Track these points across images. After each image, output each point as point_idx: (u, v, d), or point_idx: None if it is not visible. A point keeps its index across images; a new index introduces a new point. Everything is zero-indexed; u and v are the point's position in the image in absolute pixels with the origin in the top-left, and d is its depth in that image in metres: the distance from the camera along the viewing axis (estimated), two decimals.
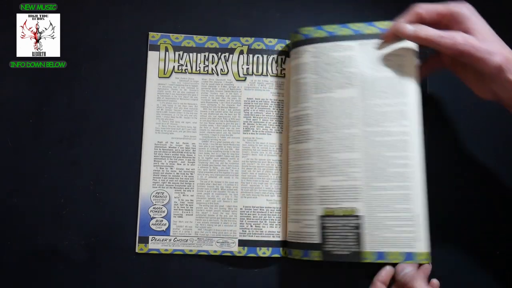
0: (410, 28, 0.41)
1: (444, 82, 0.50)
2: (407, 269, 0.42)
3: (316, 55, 0.45)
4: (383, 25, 0.44)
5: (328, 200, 0.44)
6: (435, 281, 0.45)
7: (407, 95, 0.43)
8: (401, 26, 0.42)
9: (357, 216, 0.43)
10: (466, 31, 0.40)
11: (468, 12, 0.40)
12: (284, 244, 0.48)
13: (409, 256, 0.42)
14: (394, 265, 0.43)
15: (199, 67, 0.50)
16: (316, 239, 0.44)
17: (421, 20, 0.42)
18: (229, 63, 0.50)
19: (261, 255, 0.48)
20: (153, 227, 0.48)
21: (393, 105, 0.43)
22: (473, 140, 0.50)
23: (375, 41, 0.44)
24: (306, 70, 0.46)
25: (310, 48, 0.45)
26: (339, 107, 0.44)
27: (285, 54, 0.50)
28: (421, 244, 0.42)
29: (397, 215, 0.42)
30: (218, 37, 0.50)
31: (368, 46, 0.44)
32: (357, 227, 0.43)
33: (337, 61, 0.44)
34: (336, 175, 0.44)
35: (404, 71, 0.43)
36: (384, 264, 0.43)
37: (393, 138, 0.43)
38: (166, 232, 0.48)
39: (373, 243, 0.42)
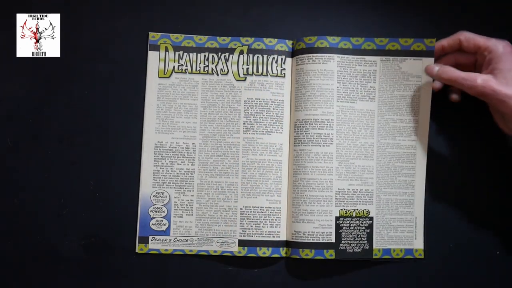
0: (435, 69, 0.45)
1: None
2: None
3: (342, 65, 0.48)
4: (406, 43, 0.48)
5: (344, 202, 0.48)
6: None
7: (419, 114, 0.48)
8: (429, 67, 0.46)
9: (370, 217, 0.48)
10: (492, 70, 0.42)
11: (502, 52, 0.42)
12: (286, 244, 0.48)
13: (408, 252, 0.48)
14: (396, 260, 0.48)
15: (199, 67, 0.50)
16: (331, 239, 0.47)
17: (460, 47, 0.46)
18: (229, 63, 0.50)
19: (261, 255, 0.48)
20: (153, 227, 0.48)
21: (406, 122, 0.49)
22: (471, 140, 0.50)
23: (397, 59, 0.49)
24: (330, 77, 0.48)
25: (336, 57, 0.48)
26: (359, 117, 0.49)
27: (285, 54, 0.50)
28: (418, 241, 0.48)
29: (401, 217, 0.48)
30: (218, 37, 0.50)
31: (389, 63, 0.49)
32: (369, 227, 0.48)
33: (361, 74, 0.49)
34: (353, 179, 0.48)
35: (419, 92, 0.48)
36: (389, 260, 0.48)
37: (403, 150, 0.49)
38: (166, 232, 0.48)
39: (381, 241, 0.48)
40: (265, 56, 0.50)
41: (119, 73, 0.50)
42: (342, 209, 0.48)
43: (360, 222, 0.48)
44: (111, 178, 0.48)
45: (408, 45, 0.48)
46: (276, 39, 0.50)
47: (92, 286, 0.47)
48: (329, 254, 0.47)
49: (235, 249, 0.48)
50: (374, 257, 0.48)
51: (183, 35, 0.50)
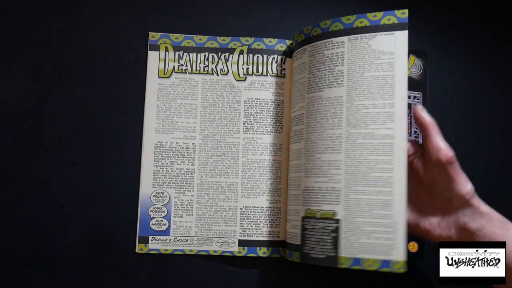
0: (428, 118, 0.41)
1: (444, 79, 0.49)
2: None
3: (312, 54, 0.45)
4: (375, 17, 0.42)
5: (310, 202, 0.43)
6: None
7: (395, 96, 0.41)
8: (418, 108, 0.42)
9: (335, 219, 0.42)
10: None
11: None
12: (283, 244, 0.48)
13: (385, 264, 0.40)
14: (369, 272, 0.41)
15: (199, 67, 0.50)
16: (298, 240, 0.44)
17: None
18: (229, 63, 0.50)
19: (261, 255, 0.48)
20: (153, 227, 0.48)
21: (380, 107, 0.41)
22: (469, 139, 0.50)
23: (366, 36, 0.42)
24: (304, 70, 0.46)
25: (308, 47, 0.45)
26: (326, 106, 0.43)
27: (285, 54, 0.50)
28: (398, 252, 0.40)
29: (376, 221, 0.40)
30: (218, 37, 0.50)
31: (358, 41, 0.42)
32: (335, 231, 0.42)
33: (329, 59, 0.43)
34: (319, 176, 0.43)
35: (394, 70, 0.41)
36: (359, 271, 0.41)
37: (378, 141, 0.41)
38: (166, 232, 0.48)
39: (349, 248, 0.41)
40: (265, 56, 0.50)
41: (119, 73, 0.50)
42: (307, 209, 0.43)
43: (325, 224, 0.42)
44: (111, 178, 0.48)
45: (377, 20, 0.42)
46: (276, 39, 0.50)
47: (92, 286, 0.47)
48: (296, 256, 0.44)
49: (235, 249, 0.48)
50: (340, 266, 0.41)
51: (183, 35, 0.50)
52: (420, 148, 0.43)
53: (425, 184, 0.42)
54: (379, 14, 0.42)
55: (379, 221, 0.40)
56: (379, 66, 0.41)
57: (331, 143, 0.42)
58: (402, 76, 0.41)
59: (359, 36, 0.42)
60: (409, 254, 0.47)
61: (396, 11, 0.42)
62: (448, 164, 0.39)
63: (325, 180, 0.42)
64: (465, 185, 0.39)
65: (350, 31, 0.43)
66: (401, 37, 0.41)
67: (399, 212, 0.40)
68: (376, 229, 0.40)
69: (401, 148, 0.40)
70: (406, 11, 0.41)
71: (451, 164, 0.39)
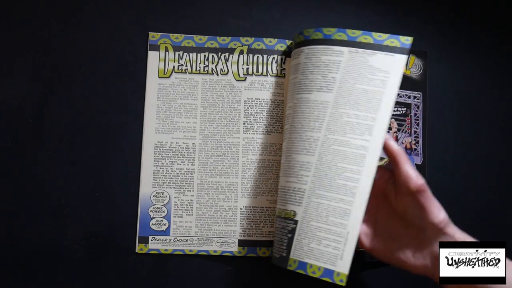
0: (396, 147, 0.40)
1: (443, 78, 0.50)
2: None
3: (308, 57, 0.45)
4: (380, 38, 0.43)
5: (281, 201, 0.44)
6: None
7: (380, 112, 0.41)
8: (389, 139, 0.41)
9: (294, 220, 0.42)
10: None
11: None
12: None
13: (327, 273, 0.40)
14: (311, 278, 0.41)
15: (199, 67, 0.50)
16: (271, 238, 0.46)
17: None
18: (229, 63, 0.50)
19: (261, 255, 0.48)
20: (153, 227, 0.48)
21: (362, 118, 0.42)
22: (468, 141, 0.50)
23: (366, 51, 0.43)
24: (297, 71, 0.46)
25: (306, 49, 0.45)
26: (311, 109, 0.43)
27: (285, 54, 0.50)
28: (343, 264, 0.40)
29: (329, 228, 0.41)
30: (218, 37, 0.50)
31: (358, 55, 0.43)
32: (291, 231, 0.42)
33: (324, 64, 0.44)
34: (291, 176, 0.43)
35: (385, 88, 0.42)
36: (304, 275, 0.41)
37: (351, 150, 0.41)
38: (166, 232, 0.48)
39: (299, 251, 0.41)
40: (265, 56, 0.50)
41: (119, 73, 0.50)
42: (278, 208, 0.45)
43: (285, 224, 0.43)
44: (111, 178, 0.48)
45: (382, 40, 0.43)
46: (276, 39, 0.50)
47: (92, 286, 0.47)
48: (267, 254, 0.48)
49: (235, 249, 0.48)
50: (288, 267, 0.42)
51: (183, 35, 0.50)
52: (391, 175, 0.41)
53: (398, 213, 0.41)
54: (384, 36, 0.43)
55: (333, 229, 0.41)
56: (371, 81, 0.42)
57: (307, 145, 0.43)
58: (391, 95, 0.42)
59: (360, 50, 0.43)
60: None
61: (401, 37, 0.43)
62: (418, 193, 0.38)
63: (295, 180, 0.43)
64: (437, 214, 0.38)
65: (352, 43, 0.43)
66: (400, 60, 0.42)
67: (354, 224, 0.40)
68: (328, 236, 0.41)
69: (372, 161, 0.41)
70: (411, 38, 0.43)
71: (422, 192, 0.38)
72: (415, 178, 0.38)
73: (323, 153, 0.42)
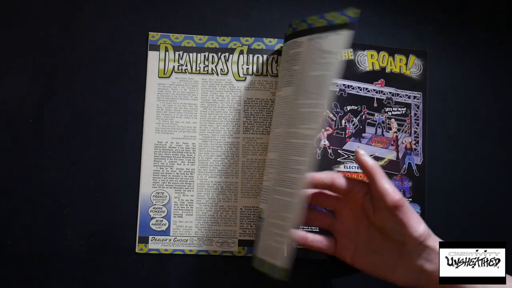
0: (371, 162, 0.39)
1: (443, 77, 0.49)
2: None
3: (283, 54, 0.45)
4: (332, 17, 0.39)
5: (261, 200, 0.44)
6: None
7: (323, 97, 0.38)
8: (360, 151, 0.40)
9: (261, 217, 0.42)
10: None
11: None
12: None
13: (273, 269, 0.38)
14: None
15: (199, 67, 0.50)
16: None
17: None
18: (229, 63, 0.50)
19: None
20: (153, 227, 0.48)
21: (312, 106, 0.38)
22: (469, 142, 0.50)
23: (320, 36, 0.40)
24: (279, 69, 0.46)
25: (284, 46, 0.45)
26: (279, 105, 0.42)
27: None
28: (284, 259, 0.38)
29: (280, 223, 0.39)
30: (218, 37, 0.50)
31: (313, 41, 0.40)
32: (259, 229, 0.42)
33: (291, 58, 0.42)
34: (266, 174, 0.43)
35: (329, 70, 0.38)
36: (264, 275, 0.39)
37: (298, 141, 0.39)
38: (166, 232, 0.48)
39: (260, 248, 0.40)
40: (265, 56, 0.50)
41: (119, 73, 0.50)
42: (259, 208, 0.44)
43: (257, 222, 0.42)
44: (111, 178, 0.48)
45: (332, 20, 0.39)
46: (276, 39, 0.50)
47: (92, 286, 0.47)
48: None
49: (235, 249, 0.48)
50: (256, 266, 0.40)
51: (183, 35, 0.50)
52: (369, 190, 0.40)
53: (377, 227, 0.40)
54: (336, 14, 0.39)
55: (282, 224, 0.39)
56: (319, 66, 0.39)
57: (275, 142, 0.42)
58: (330, 76, 0.38)
59: (316, 36, 0.40)
60: None
61: (350, 11, 0.38)
62: (396, 208, 0.37)
63: (265, 178, 0.43)
64: (417, 228, 0.37)
65: (311, 31, 0.41)
66: (345, 37, 0.38)
67: (295, 217, 0.38)
68: (278, 231, 0.39)
69: (312, 149, 0.38)
70: (358, 11, 0.38)
71: (400, 207, 0.37)
72: (391, 193, 0.37)
73: (283, 149, 0.40)
